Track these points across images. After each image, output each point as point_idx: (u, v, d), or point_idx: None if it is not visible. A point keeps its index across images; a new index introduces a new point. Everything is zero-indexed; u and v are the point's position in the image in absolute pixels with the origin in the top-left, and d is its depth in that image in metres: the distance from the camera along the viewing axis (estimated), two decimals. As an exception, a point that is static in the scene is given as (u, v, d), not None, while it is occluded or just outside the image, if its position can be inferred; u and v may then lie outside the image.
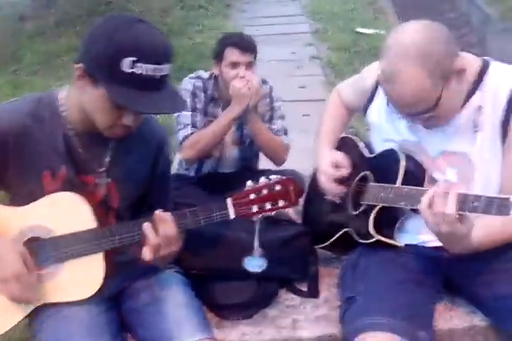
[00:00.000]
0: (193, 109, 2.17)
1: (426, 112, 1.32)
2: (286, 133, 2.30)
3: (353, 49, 5.55)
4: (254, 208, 1.34)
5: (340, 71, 4.88)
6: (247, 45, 2.13)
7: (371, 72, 1.61)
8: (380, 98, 1.57)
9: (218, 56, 2.16)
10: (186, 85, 2.20)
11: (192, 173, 2.32)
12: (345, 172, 1.64)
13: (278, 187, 1.35)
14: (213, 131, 2.12)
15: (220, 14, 7.24)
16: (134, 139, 1.42)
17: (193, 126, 2.15)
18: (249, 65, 2.14)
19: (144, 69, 1.17)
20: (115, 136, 1.34)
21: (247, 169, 2.33)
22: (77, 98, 1.31)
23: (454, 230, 1.21)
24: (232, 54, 2.11)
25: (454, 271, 1.51)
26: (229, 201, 1.34)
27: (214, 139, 2.14)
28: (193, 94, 2.18)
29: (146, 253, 1.30)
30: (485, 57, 1.44)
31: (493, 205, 1.13)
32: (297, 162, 2.32)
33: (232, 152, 2.29)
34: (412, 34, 1.29)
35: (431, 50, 1.27)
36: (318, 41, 6.06)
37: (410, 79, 1.27)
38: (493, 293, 1.41)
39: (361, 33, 6.15)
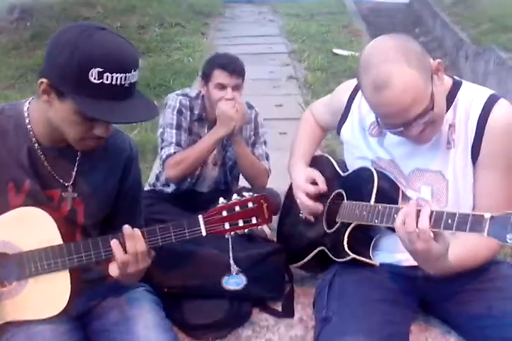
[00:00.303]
0: (178, 127, 2.15)
1: (424, 114, 1.29)
2: (267, 159, 2.30)
3: (329, 70, 5.64)
4: (227, 225, 1.32)
5: (317, 91, 4.95)
6: (235, 68, 2.12)
7: (343, 91, 1.62)
8: (353, 116, 1.58)
9: (206, 76, 2.15)
10: (172, 101, 2.18)
11: (169, 190, 2.28)
12: (321, 188, 1.64)
13: (251, 204, 1.33)
14: (197, 151, 2.10)
15: (198, 32, 7.30)
16: (102, 153, 1.39)
17: (177, 144, 2.13)
18: (237, 88, 2.13)
19: (112, 78, 1.15)
20: (87, 148, 1.30)
21: (225, 191, 2.30)
22: (42, 111, 1.27)
23: (429, 248, 1.20)
24: (220, 76, 2.10)
25: (429, 291, 1.50)
26: (200, 218, 1.32)
27: (197, 160, 2.11)
28: (179, 112, 2.16)
29: (113, 270, 1.27)
30: (456, 77, 1.46)
31: (466, 222, 1.12)
32: (273, 180, 2.32)
33: (212, 172, 2.27)
34: (383, 42, 1.31)
35: (409, 47, 1.28)
36: (295, 61, 6.14)
37: (402, 78, 1.24)
38: (467, 313, 1.41)
39: (337, 54, 6.27)
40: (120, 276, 1.28)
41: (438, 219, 1.17)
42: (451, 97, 1.40)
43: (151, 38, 6.88)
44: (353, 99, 1.59)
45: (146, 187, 2.36)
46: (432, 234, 1.18)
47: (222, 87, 2.11)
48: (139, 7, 7.77)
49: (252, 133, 2.28)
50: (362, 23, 7.94)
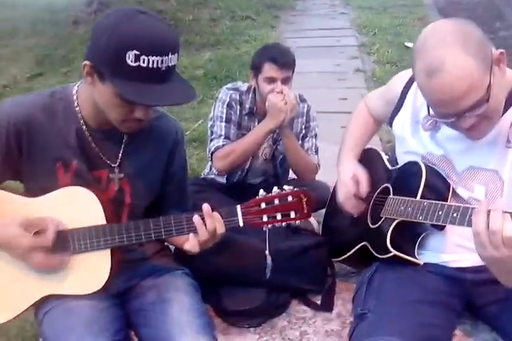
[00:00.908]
0: (228, 121, 2.17)
1: (478, 106, 1.20)
2: (317, 153, 2.28)
3: (399, 63, 5.45)
4: (264, 217, 1.31)
5: (384, 84, 4.79)
6: (285, 61, 2.10)
7: (398, 82, 1.56)
8: (407, 108, 1.52)
9: (256, 69, 2.15)
10: (223, 95, 2.20)
11: (222, 179, 2.30)
12: (363, 190, 1.59)
13: (290, 198, 1.31)
14: (246, 143, 2.11)
15: (268, 25, 7.28)
16: (149, 135, 1.42)
17: (226, 137, 2.15)
18: (287, 80, 2.13)
19: (148, 61, 1.16)
20: (130, 130, 1.33)
21: (275, 183, 2.29)
22: (88, 94, 1.32)
23: (501, 256, 1.09)
24: (270, 69, 2.09)
25: (477, 295, 1.42)
26: (238, 208, 1.32)
27: (246, 152, 2.12)
28: (229, 106, 2.17)
29: (194, 245, 1.31)
30: None
31: None
32: (329, 173, 2.28)
33: (262, 166, 2.28)
34: (442, 25, 1.23)
35: (468, 33, 1.20)
36: (364, 54, 6.00)
37: (457, 64, 1.17)
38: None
39: (409, 47, 6.06)
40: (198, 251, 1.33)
41: None
42: None
43: (221, 30, 6.93)
44: (408, 89, 1.53)
45: (201, 176, 2.40)
46: None
47: (271, 80, 2.10)
48: (211, 0, 7.86)
49: (304, 126, 2.26)
50: (438, 16, 7.61)
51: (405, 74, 1.56)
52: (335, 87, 4.93)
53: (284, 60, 2.10)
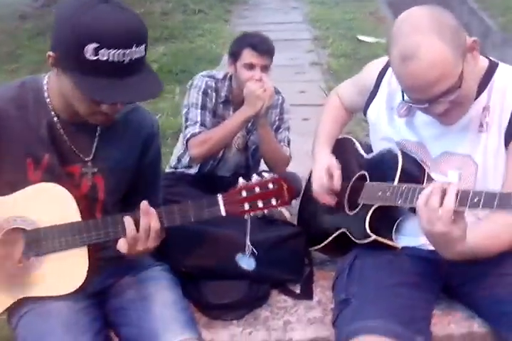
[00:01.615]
0: (203, 107, 2.12)
1: (450, 92, 1.23)
2: (289, 145, 2.28)
3: (353, 56, 5.54)
4: (246, 206, 1.30)
5: (341, 77, 4.86)
6: (265, 48, 2.08)
7: (371, 70, 1.57)
8: (382, 95, 1.54)
9: (235, 55, 2.12)
10: (198, 82, 2.15)
11: (191, 172, 2.26)
12: (337, 184, 1.59)
13: (271, 186, 1.30)
14: (223, 131, 2.08)
15: (221, 19, 7.26)
16: (122, 129, 1.38)
17: (202, 124, 2.10)
18: (265, 68, 2.10)
19: (108, 55, 1.10)
20: (100, 122, 1.29)
21: (245, 174, 2.28)
22: (57, 85, 1.26)
23: (448, 230, 1.14)
24: (249, 55, 2.07)
25: (452, 275, 1.46)
26: (220, 197, 1.30)
27: (223, 140, 2.09)
28: (204, 93, 2.13)
29: (122, 246, 1.26)
30: (493, 59, 1.40)
31: (494, 199, 1.07)
32: (296, 165, 2.30)
33: (234, 157, 2.25)
34: (418, 12, 1.25)
35: (444, 20, 1.22)
36: (319, 48, 6.06)
37: (431, 50, 1.19)
38: (492, 298, 1.37)
39: (362, 41, 6.16)
40: (128, 252, 1.27)
41: (464, 198, 1.12)
42: (486, 79, 1.34)
43: (174, 24, 6.85)
44: (383, 76, 1.54)
45: (167, 169, 2.36)
46: (452, 217, 1.13)
47: (251, 66, 2.07)
48: (163, -7, 7.75)
49: (277, 118, 2.26)
50: (387, 9, 7.79)
51: (378, 62, 1.57)
52: (293, 80, 4.95)
53: (264, 47, 2.08)
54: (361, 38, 6.25)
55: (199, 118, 2.10)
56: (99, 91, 1.12)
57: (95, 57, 1.10)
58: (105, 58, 1.10)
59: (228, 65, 2.17)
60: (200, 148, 2.06)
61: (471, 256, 1.27)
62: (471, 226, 1.19)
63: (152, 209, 1.27)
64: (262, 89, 2.02)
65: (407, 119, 1.47)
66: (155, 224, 1.26)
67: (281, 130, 2.26)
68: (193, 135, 2.08)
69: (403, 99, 1.35)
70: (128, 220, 1.26)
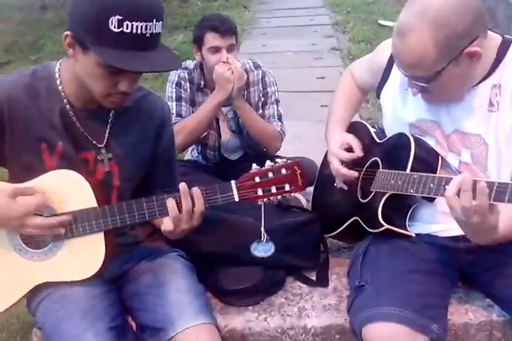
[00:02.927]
0: (178, 99, 2.14)
1: (420, 81, 1.28)
2: (280, 119, 2.23)
3: (374, 41, 5.45)
4: (259, 191, 1.30)
5: (360, 63, 4.79)
6: (227, 28, 2.05)
7: (384, 50, 1.54)
8: (394, 77, 1.51)
9: (198, 41, 2.10)
10: (172, 76, 2.17)
11: (202, 161, 2.28)
12: (355, 155, 1.58)
13: (284, 171, 1.30)
14: (195, 118, 2.08)
15: (240, 5, 7.21)
16: (135, 114, 1.38)
17: (178, 115, 2.12)
18: (231, 48, 2.08)
19: (132, 27, 1.13)
20: (114, 105, 1.30)
21: (255, 155, 2.25)
22: (71, 69, 1.27)
23: (484, 220, 1.13)
24: (212, 38, 2.05)
25: (470, 263, 1.44)
26: (233, 183, 1.30)
27: (199, 125, 2.09)
28: (178, 85, 2.15)
29: (168, 225, 1.28)
30: (507, 36, 1.36)
31: None
32: (314, 152, 2.27)
33: (232, 140, 2.25)
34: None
35: (448, 22, 1.19)
36: (339, 33, 5.98)
37: (417, 41, 1.21)
38: (511, 287, 1.34)
39: (383, 25, 6.05)
40: (173, 232, 1.30)
41: (501, 191, 1.09)
42: (498, 57, 1.31)
43: (193, 12, 6.83)
44: None
45: (185, 158, 2.38)
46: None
47: (216, 49, 2.06)
48: (182, -19, 7.71)
49: (261, 94, 2.21)
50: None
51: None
52: (312, 66, 4.91)
53: (224, 27, 2.05)
54: (382, 22, 6.14)
55: (174, 110, 2.12)
56: (125, 61, 1.14)
57: (119, 29, 1.12)
58: (129, 30, 1.13)
59: (194, 52, 2.16)
60: (178, 136, 2.03)
61: (503, 240, 1.25)
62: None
63: (197, 191, 1.28)
64: (229, 71, 2.01)
65: (422, 95, 1.43)
66: (200, 204, 1.28)
67: (268, 105, 2.21)
68: None
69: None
70: (170, 201, 1.28)
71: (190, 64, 2.21)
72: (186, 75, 2.16)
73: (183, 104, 2.14)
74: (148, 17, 1.14)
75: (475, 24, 1.21)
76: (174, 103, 2.14)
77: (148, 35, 1.15)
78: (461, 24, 1.20)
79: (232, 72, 2.01)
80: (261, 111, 2.19)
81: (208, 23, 2.08)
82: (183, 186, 1.28)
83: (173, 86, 2.15)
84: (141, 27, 1.13)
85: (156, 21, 1.16)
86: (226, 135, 2.22)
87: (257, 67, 2.21)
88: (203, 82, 2.17)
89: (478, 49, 1.23)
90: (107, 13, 1.12)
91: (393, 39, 1.28)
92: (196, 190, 1.29)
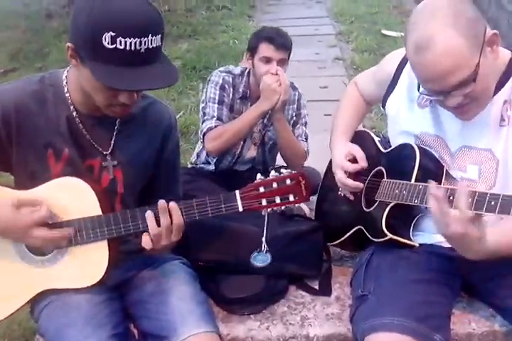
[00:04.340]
0: (220, 102, 2.14)
1: (465, 84, 1.21)
2: (307, 140, 2.28)
3: (377, 51, 5.47)
4: (263, 201, 1.30)
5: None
6: (282, 42, 2.09)
7: (390, 62, 1.55)
8: (401, 87, 1.51)
9: (252, 49, 2.14)
10: (215, 77, 2.17)
11: (211, 167, 2.29)
12: (360, 166, 1.58)
13: (288, 181, 1.30)
14: (239, 124, 2.09)
15: (244, 15, 7.24)
16: (141, 122, 1.39)
17: (219, 118, 2.13)
18: (282, 62, 2.11)
19: (126, 43, 1.12)
20: (117, 115, 1.31)
21: (262, 170, 2.28)
22: (76, 78, 1.28)
23: (465, 232, 1.12)
24: (266, 49, 2.08)
25: (473, 273, 1.44)
26: (237, 193, 1.31)
27: (238, 134, 2.10)
28: (222, 88, 2.15)
29: (146, 242, 1.28)
30: None
31: (510, 205, 1.05)
32: (317, 161, 2.28)
33: (251, 152, 2.26)
34: (436, 2, 1.23)
35: (462, 10, 1.20)
36: (343, 43, 6.00)
37: (445, 40, 1.17)
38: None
39: (386, 35, 6.08)
40: (152, 248, 1.29)
41: (481, 201, 1.10)
42: (508, 72, 1.31)
43: (197, 21, 6.87)
44: (403, 68, 1.51)
45: (188, 166, 2.38)
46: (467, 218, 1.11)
47: (267, 60, 2.08)
48: (187, -10, 7.76)
49: (295, 113, 2.26)
50: (412, 3, 7.66)
51: (398, 54, 1.55)
52: (315, 75, 4.93)
53: (281, 40, 2.09)
54: (385, 32, 6.16)
55: (216, 113, 2.12)
56: (115, 79, 1.14)
57: (113, 46, 1.12)
58: (122, 47, 1.12)
59: (246, 59, 2.18)
60: (215, 141, 2.09)
61: (494, 255, 1.24)
62: (493, 224, 1.17)
63: (174, 204, 1.28)
64: (277, 83, 2.03)
65: (430, 109, 1.43)
66: (177, 219, 1.27)
67: (298, 125, 2.26)
68: (210, 129, 2.10)
69: (418, 90, 1.34)
70: (150, 216, 1.27)
71: (234, 69, 2.23)
72: (230, 80, 2.17)
73: (224, 108, 2.15)
74: (142, 33, 1.13)
75: (475, 9, 1.22)
76: (216, 106, 2.14)
77: (143, 50, 1.14)
78: (470, 9, 1.21)
79: (280, 85, 2.03)
80: (291, 129, 2.22)
81: (265, 33, 2.13)
82: (161, 202, 1.27)
83: (217, 88, 2.15)
84: (135, 43, 1.12)
85: (151, 36, 1.14)
86: (249, 145, 2.25)
87: (293, 88, 2.25)
88: (248, 91, 2.19)
89: (495, 31, 1.23)
90: (100, 30, 1.11)
91: (416, 59, 1.23)
92: (173, 204, 1.28)
